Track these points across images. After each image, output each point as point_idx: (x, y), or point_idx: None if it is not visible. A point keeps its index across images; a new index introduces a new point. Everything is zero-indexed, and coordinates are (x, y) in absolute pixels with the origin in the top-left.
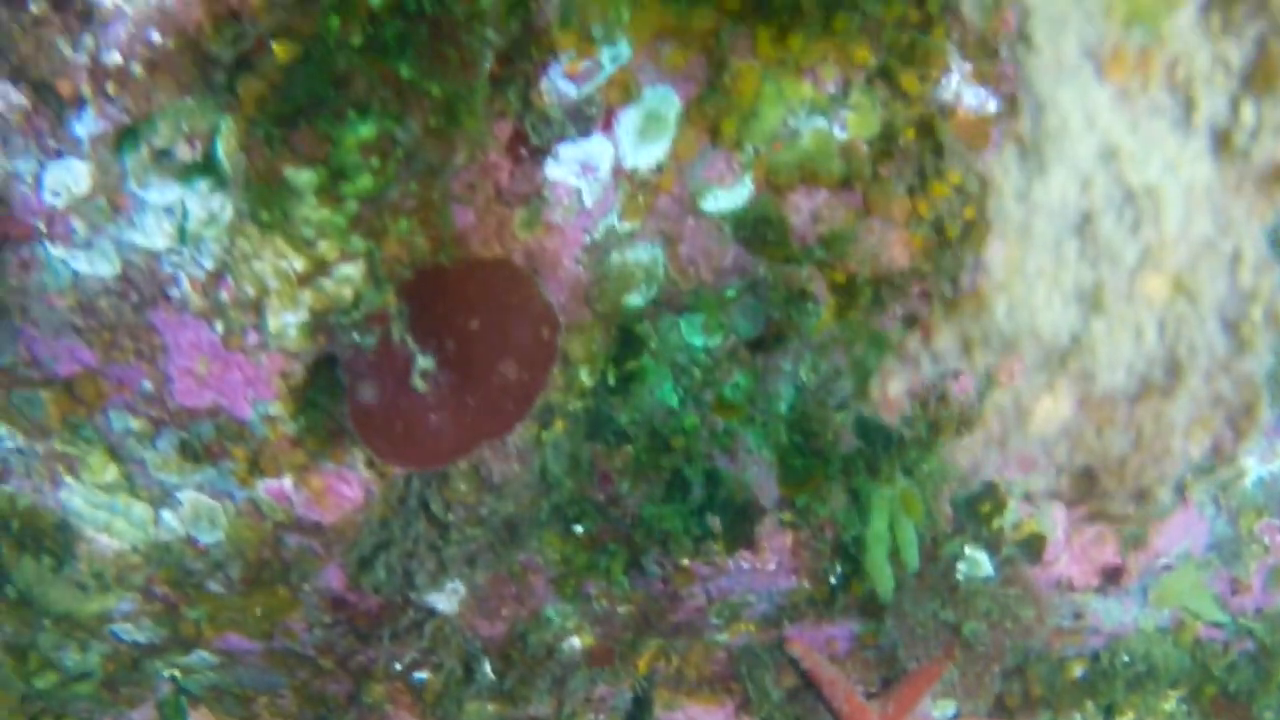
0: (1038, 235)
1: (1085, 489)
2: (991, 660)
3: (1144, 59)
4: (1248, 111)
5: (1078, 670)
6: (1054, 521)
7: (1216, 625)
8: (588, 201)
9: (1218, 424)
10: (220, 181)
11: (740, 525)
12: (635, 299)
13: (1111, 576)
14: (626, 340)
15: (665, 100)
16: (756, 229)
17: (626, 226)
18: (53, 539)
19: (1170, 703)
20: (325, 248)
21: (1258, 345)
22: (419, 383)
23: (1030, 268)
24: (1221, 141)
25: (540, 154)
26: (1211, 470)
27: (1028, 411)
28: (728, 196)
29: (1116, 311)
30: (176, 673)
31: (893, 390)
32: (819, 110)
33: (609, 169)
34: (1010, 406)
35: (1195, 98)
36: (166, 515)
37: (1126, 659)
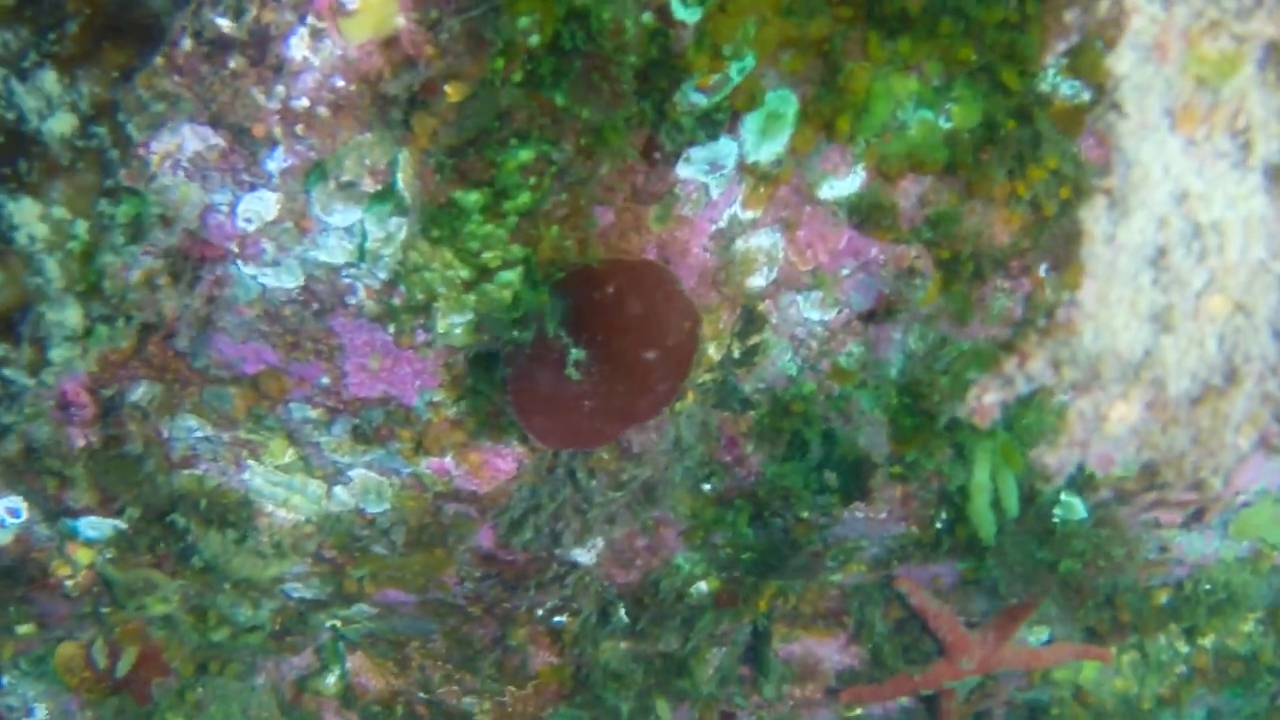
0: (1121, 270)
1: (1148, 480)
2: (1085, 594)
3: (1210, 111)
4: None
5: (1163, 598)
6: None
7: None
8: (714, 195)
9: (1266, 419)
10: (399, 206)
11: (855, 480)
12: (758, 280)
13: (1195, 514)
14: (750, 318)
15: (785, 101)
16: (868, 213)
17: (749, 215)
18: (236, 514)
19: (1249, 625)
20: (488, 257)
21: None
22: (573, 373)
23: (1113, 297)
24: (1275, 177)
25: (673, 157)
26: None
27: (1104, 417)
28: (842, 185)
29: (1183, 328)
30: (337, 623)
31: (987, 401)
32: (925, 103)
33: (734, 165)
34: (1090, 413)
35: (1253, 141)
36: (338, 490)
37: (1208, 587)
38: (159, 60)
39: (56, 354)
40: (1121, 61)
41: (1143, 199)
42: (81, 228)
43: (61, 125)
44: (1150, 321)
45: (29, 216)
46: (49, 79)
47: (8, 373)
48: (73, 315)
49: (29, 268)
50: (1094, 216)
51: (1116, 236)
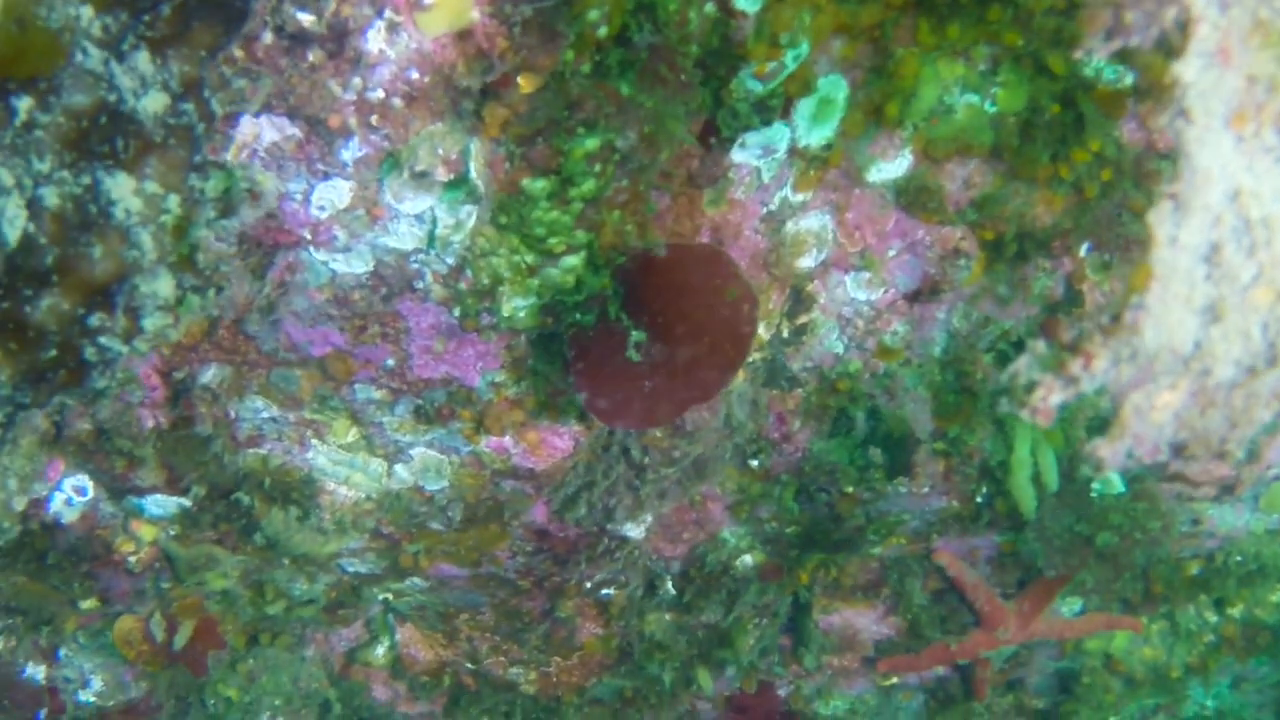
0: (1180, 269)
1: (1172, 454)
2: (1122, 567)
3: (1259, 109)
4: None
5: (1194, 569)
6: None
7: None
8: (766, 178)
9: None
10: (470, 194)
11: (899, 455)
12: (807, 261)
13: (1226, 487)
14: (798, 298)
15: (835, 86)
16: (916, 195)
17: (800, 198)
18: (299, 492)
19: (1277, 595)
20: (553, 242)
21: None
22: (633, 354)
23: (1171, 295)
24: None
25: (728, 142)
26: None
27: (1153, 407)
28: (890, 167)
29: (1231, 320)
30: (389, 596)
31: (1053, 402)
32: (971, 88)
33: (785, 149)
34: (1144, 405)
35: None
36: (399, 469)
37: (1239, 558)
38: (239, 52)
39: (149, 323)
40: (1189, 69)
41: (1202, 200)
42: (174, 202)
43: (155, 103)
44: (1201, 314)
45: (125, 191)
46: (143, 59)
47: (104, 340)
48: (165, 286)
49: (125, 241)
50: (1160, 221)
51: (1179, 238)
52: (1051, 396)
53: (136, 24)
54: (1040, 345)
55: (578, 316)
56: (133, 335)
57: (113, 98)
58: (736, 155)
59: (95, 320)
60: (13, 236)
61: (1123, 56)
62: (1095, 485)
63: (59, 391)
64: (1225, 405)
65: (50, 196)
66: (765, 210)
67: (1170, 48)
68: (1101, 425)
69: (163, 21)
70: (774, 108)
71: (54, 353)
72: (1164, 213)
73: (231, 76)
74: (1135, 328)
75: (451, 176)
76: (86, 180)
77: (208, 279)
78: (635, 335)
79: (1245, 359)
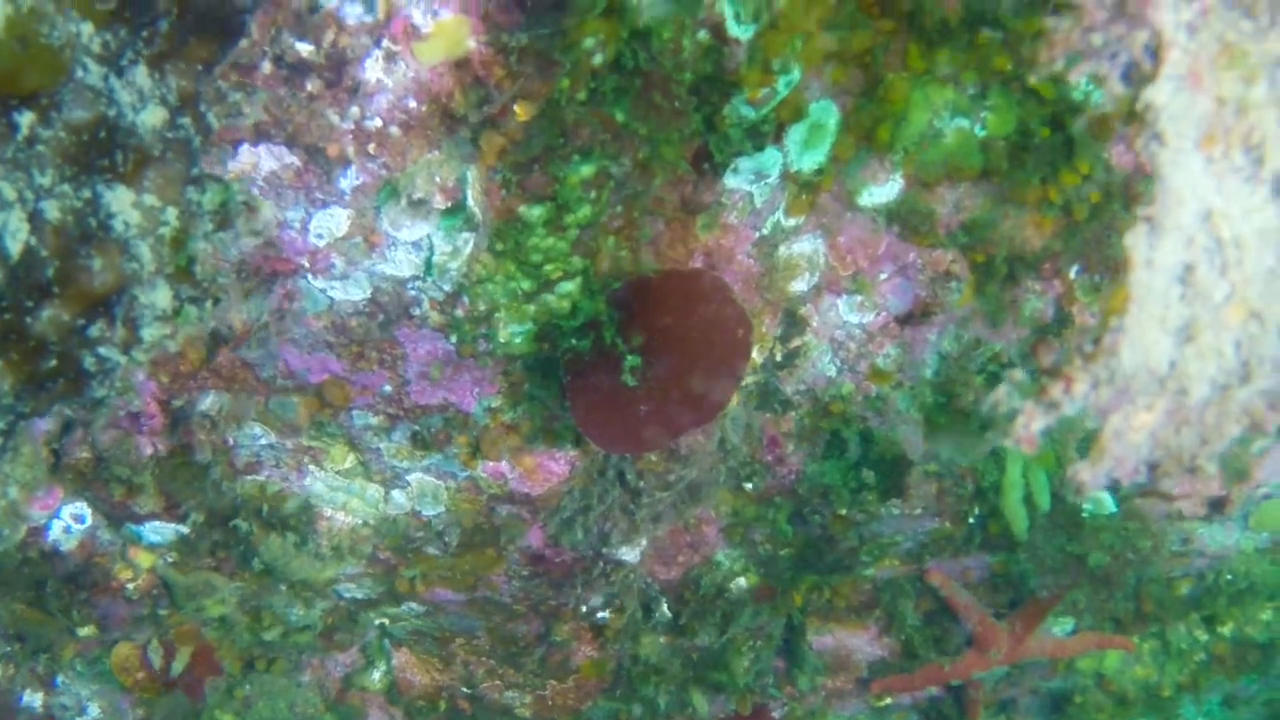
0: (1155, 289)
1: (1149, 473)
2: (1113, 586)
3: (1227, 130)
4: None
5: (1185, 588)
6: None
7: None
8: (758, 203)
9: (1262, 409)
10: (468, 222)
11: (891, 477)
12: (799, 285)
13: (1216, 506)
14: (791, 321)
15: (827, 112)
16: (907, 219)
17: (792, 222)
18: (297, 518)
19: (1267, 613)
20: (549, 269)
21: None
22: (629, 379)
23: (1147, 316)
24: None
25: (720, 168)
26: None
27: (1131, 428)
28: (881, 191)
29: (1205, 339)
30: (385, 621)
31: (1035, 428)
32: (961, 112)
33: (778, 174)
34: (1123, 426)
35: (1266, 155)
36: (396, 494)
37: (1229, 577)
38: (236, 77)
39: (148, 333)
40: (1161, 93)
41: (1175, 221)
42: (171, 214)
43: (153, 117)
44: (1176, 334)
45: (124, 204)
46: (141, 74)
47: (103, 350)
48: (162, 297)
49: (124, 253)
50: (1136, 243)
51: (1154, 260)
52: (1034, 423)
53: (135, 40)
54: (1018, 373)
55: (573, 342)
56: (131, 345)
57: (112, 112)
58: (729, 180)
59: (95, 331)
60: (15, 249)
61: (1094, 80)
62: (1086, 506)
63: (59, 400)
64: (1198, 423)
65: (51, 210)
66: (758, 234)
67: (1141, 73)
68: (1090, 446)
69: (161, 37)
70: (766, 133)
71: (54, 362)
72: (1140, 235)
73: (228, 90)
74: (1113, 350)
75: (449, 204)
76: (86, 194)
77: (205, 290)
78: (630, 360)
79: (1219, 377)
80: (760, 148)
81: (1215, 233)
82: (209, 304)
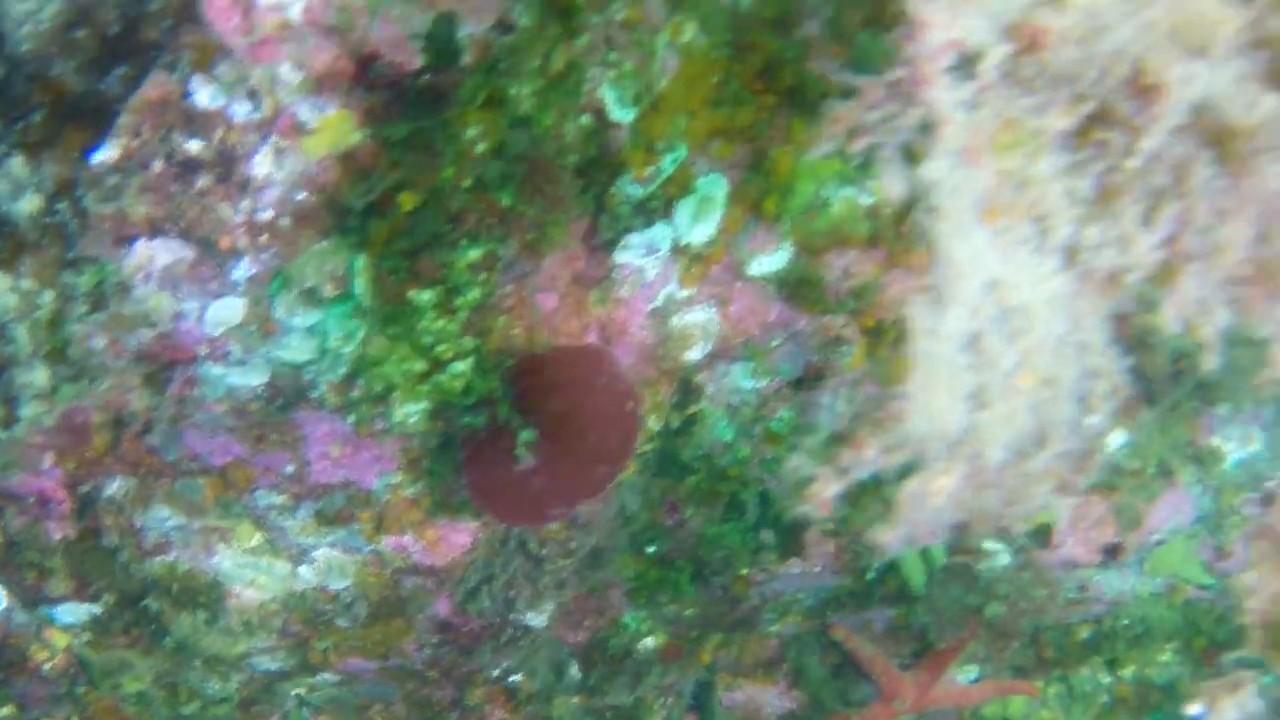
0: (942, 358)
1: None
2: (1011, 635)
3: (1012, 202)
4: (1092, 232)
5: (1084, 634)
6: (1060, 511)
7: (1204, 587)
8: (650, 276)
9: (1066, 471)
10: (357, 308)
11: (790, 537)
12: (694, 354)
13: (1112, 553)
14: (687, 389)
15: (715, 185)
16: (796, 287)
17: (684, 293)
18: (206, 596)
19: (1166, 655)
20: (441, 350)
21: (1101, 409)
22: (523, 454)
23: (935, 383)
24: (1071, 257)
25: (611, 244)
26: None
27: (929, 492)
28: (770, 261)
29: (998, 405)
30: (302, 691)
31: (827, 494)
32: (847, 181)
33: (669, 248)
34: (919, 490)
35: (1052, 226)
36: (303, 569)
37: (1127, 621)
38: (135, 180)
39: (26, 411)
40: (935, 168)
41: (958, 291)
42: (48, 297)
43: (29, 205)
44: (967, 401)
45: (1, 289)
46: (18, 164)
47: None
48: (40, 376)
49: (2, 336)
50: (917, 313)
51: (938, 329)
52: (827, 490)
53: (10, 132)
54: (808, 440)
55: (469, 419)
56: (11, 423)
57: None
58: (620, 256)
59: None
60: None
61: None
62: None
63: None
64: (1000, 485)
65: None
66: (651, 307)
67: (912, 150)
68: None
69: (35, 128)
70: (655, 209)
71: None
72: (921, 307)
73: (104, 174)
74: (900, 416)
75: (339, 291)
76: None
77: (81, 369)
78: (524, 435)
79: (1015, 442)
80: (650, 223)
81: (1002, 302)
82: (86, 381)
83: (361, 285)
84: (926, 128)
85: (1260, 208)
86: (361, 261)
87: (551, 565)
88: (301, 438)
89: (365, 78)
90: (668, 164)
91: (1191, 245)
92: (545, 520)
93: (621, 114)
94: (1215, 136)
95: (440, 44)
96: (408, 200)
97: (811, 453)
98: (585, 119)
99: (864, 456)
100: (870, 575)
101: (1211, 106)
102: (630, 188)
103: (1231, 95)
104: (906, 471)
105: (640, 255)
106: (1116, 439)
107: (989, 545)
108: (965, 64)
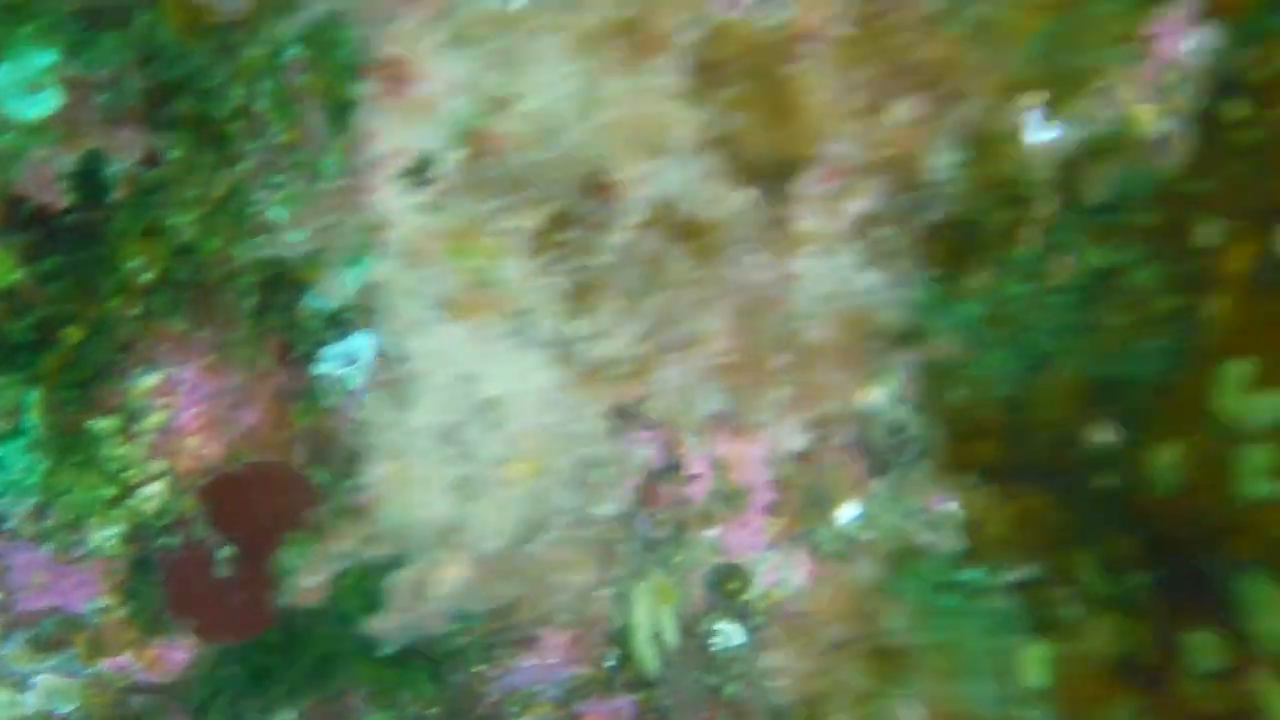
0: (414, 450)
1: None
2: (751, 714)
3: (490, 300)
4: (575, 327)
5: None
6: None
7: None
8: (352, 385)
9: (590, 560)
10: (34, 441)
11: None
12: None
13: None
14: None
15: None
16: None
17: None
18: None
19: None
20: (130, 474)
21: (604, 496)
22: (222, 569)
23: (411, 475)
24: (557, 351)
25: (307, 358)
26: None
27: (437, 580)
28: None
29: (488, 495)
30: None
31: (311, 584)
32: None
33: (372, 355)
34: (414, 579)
35: (535, 322)
36: (27, 696)
37: None
38: None
39: None
40: (383, 270)
41: (426, 384)
42: None
43: None
44: (454, 491)
45: None
46: None
47: None
48: None
49: None
50: (375, 409)
51: (404, 422)
52: (309, 580)
53: None
54: (298, 534)
55: (166, 540)
56: None
57: None
58: (320, 368)
59: None
60: None
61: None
62: (716, 638)
63: None
64: (512, 574)
65: None
66: (359, 415)
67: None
68: (730, 578)
69: None
70: (349, 320)
71: None
72: (380, 402)
73: None
74: (374, 507)
75: (12, 426)
76: None
77: None
78: (223, 551)
79: (510, 530)
80: (346, 335)
81: (483, 394)
82: None
83: (36, 417)
84: (374, 230)
85: (741, 297)
86: (36, 395)
87: (277, 674)
88: (4, 569)
89: (16, 219)
90: (351, 279)
91: (676, 335)
92: (250, 634)
93: (297, 234)
94: (686, 232)
95: (86, 182)
96: (73, 334)
97: (297, 546)
98: (260, 239)
99: (341, 548)
100: (609, 663)
101: (676, 203)
102: (317, 303)
103: (697, 192)
104: (398, 562)
105: (340, 366)
106: (849, 512)
107: (722, 625)
108: (416, 171)
